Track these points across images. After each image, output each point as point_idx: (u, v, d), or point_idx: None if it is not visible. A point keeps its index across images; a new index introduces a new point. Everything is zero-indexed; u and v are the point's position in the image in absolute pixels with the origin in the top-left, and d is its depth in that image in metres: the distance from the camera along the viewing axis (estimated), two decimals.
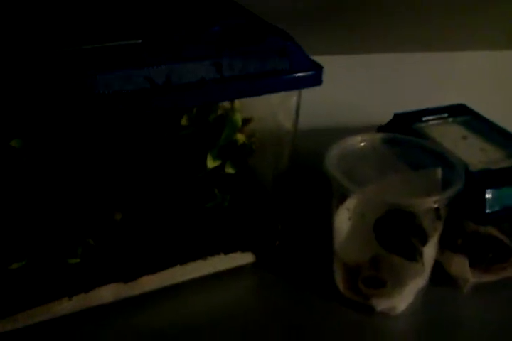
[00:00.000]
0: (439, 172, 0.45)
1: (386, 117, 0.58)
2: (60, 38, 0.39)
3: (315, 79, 0.42)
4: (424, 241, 0.45)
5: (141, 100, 0.37)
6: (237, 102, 0.47)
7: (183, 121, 0.44)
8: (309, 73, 0.42)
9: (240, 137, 0.47)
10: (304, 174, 0.55)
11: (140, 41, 0.40)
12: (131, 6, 0.46)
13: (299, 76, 0.41)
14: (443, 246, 0.47)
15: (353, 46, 0.69)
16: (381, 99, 0.68)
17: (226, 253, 0.48)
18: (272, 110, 0.48)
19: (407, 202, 0.42)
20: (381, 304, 0.46)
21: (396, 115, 0.57)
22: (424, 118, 0.56)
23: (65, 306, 0.41)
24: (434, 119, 0.56)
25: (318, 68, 0.42)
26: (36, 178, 0.39)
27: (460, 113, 0.58)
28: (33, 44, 0.38)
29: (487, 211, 0.44)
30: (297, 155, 0.50)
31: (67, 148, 0.39)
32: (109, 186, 0.42)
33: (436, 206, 0.42)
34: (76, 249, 0.41)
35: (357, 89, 0.71)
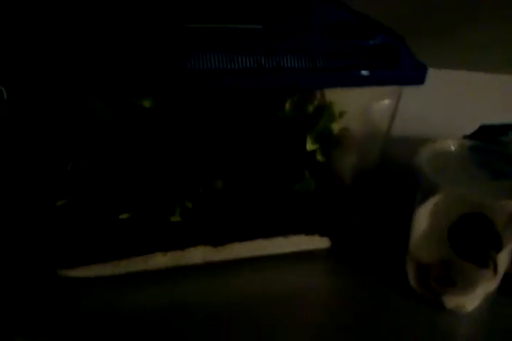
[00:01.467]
0: None
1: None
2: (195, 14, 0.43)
3: (419, 77, 0.45)
4: (498, 249, 0.46)
5: (253, 79, 0.40)
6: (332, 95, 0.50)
7: (287, 106, 0.47)
8: (414, 71, 0.44)
9: (335, 127, 0.50)
10: (387, 173, 0.57)
11: (261, 27, 0.44)
12: None
13: (403, 72, 0.44)
14: None
15: (449, 60, 0.70)
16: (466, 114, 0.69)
17: (306, 234, 0.51)
18: (366, 107, 0.51)
19: (491, 203, 0.43)
20: (451, 302, 0.47)
21: (482, 127, 0.59)
22: (510, 132, 0.58)
23: (160, 260, 0.45)
24: None
25: (423, 68, 0.45)
26: (156, 138, 0.43)
27: None
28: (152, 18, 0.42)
29: None
30: (389, 159, 0.53)
31: (187, 115, 0.43)
32: (215, 155, 0.45)
33: None
34: (175, 209, 0.45)
35: (447, 103, 0.73)
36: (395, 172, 0.55)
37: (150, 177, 0.44)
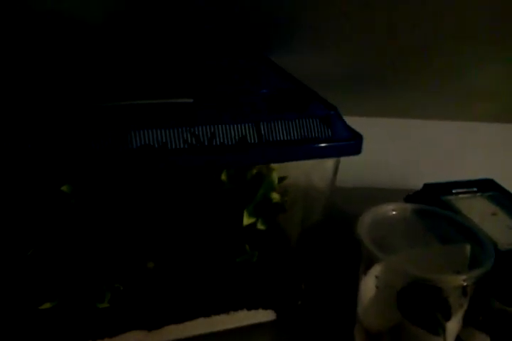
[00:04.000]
0: (468, 248, 0.45)
1: (416, 178, 0.59)
2: (120, 92, 0.41)
3: (355, 148, 0.44)
4: (448, 317, 0.45)
5: (183, 158, 0.39)
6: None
7: (223, 177, 0.46)
8: (349, 142, 0.43)
9: (275, 196, 0.48)
10: (334, 234, 0.55)
11: (192, 101, 0.42)
12: (186, 66, 0.49)
13: (338, 144, 0.43)
14: (466, 321, 0.47)
15: (388, 110, 0.71)
16: (412, 160, 0.70)
17: (249, 309, 0.48)
18: (307, 171, 0.50)
19: (435, 278, 0.42)
20: None
21: (426, 185, 0.59)
22: (453, 191, 0.57)
23: None
24: (462, 193, 0.57)
25: (359, 138, 0.44)
26: (78, 223, 0.40)
27: (488, 188, 0.59)
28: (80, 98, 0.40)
29: None
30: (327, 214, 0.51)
31: (110, 197, 0.41)
32: (145, 235, 0.43)
33: (464, 284, 0.42)
34: (105, 294, 0.42)
35: (388, 151, 0.73)
36: (340, 235, 0.53)
37: (76, 261, 0.41)
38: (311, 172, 0.50)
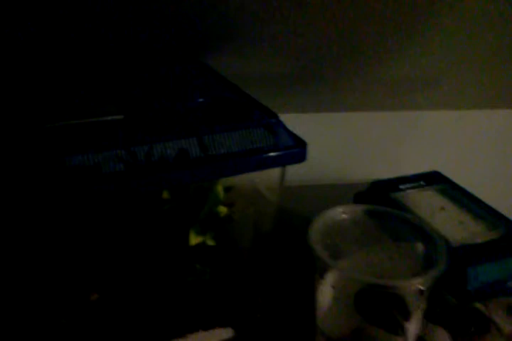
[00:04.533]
0: (420, 246, 0.45)
1: (363, 173, 0.58)
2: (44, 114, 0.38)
3: (299, 156, 0.42)
4: (406, 316, 0.44)
5: (120, 181, 0.36)
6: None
7: (165, 195, 0.43)
8: (294, 151, 0.42)
9: (222, 209, 0.46)
10: (287, 242, 0.54)
11: (122, 117, 0.40)
12: (113, 78, 0.46)
13: (283, 153, 0.42)
14: (425, 318, 0.47)
15: (325, 104, 0.70)
16: (357, 155, 0.69)
17: (205, 329, 0.46)
18: (254, 179, 0.48)
19: (389, 284, 0.41)
20: None
21: (373, 183, 0.58)
22: (401, 186, 0.57)
23: None
24: (410, 188, 0.57)
25: (303, 145, 0.43)
26: (11, 256, 0.37)
27: (436, 181, 0.59)
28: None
29: (469, 288, 0.44)
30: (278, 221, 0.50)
31: (45, 225, 0.38)
32: (86, 265, 0.40)
33: (421, 288, 0.41)
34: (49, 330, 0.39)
35: (330, 147, 0.72)
36: (294, 242, 0.52)
37: (10, 298, 0.38)
38: (258, 180, 0.49)
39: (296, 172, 0.56)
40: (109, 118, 0.39)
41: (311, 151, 0.64)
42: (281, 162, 0.42)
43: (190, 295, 0.46)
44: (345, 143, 0.74)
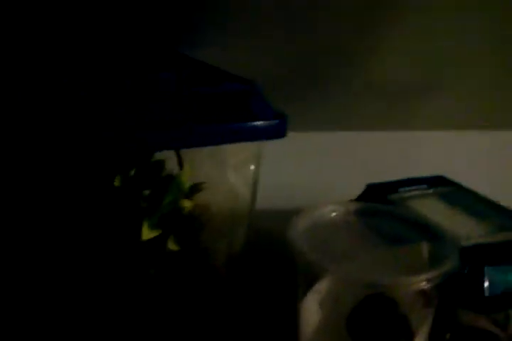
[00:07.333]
0: (425, 247, 0.37)
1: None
2: None
3: (278, 129, 0.36)
4: (409, 338, 0.36)
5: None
6: (186, 166, 0.40)
7: (116, 182, 0.36)
8: (271, 122, 0.35)
9: (187, 204, 0.39)
10: (266, 259, 0.46)
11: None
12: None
13: (259, 125, 0.35)
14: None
15: (324, 123, 0.64)
16: (350, 178, 0.62)
17: None
18: (228, 180, 0.42)
19: (389, 282, 0.34)
20: None
21: (369, 186, 0.51)
22: (400, 190, 0.50)
23: None
24: (412, 190, 0.50)
25: (282, 118, 0.36)
26: None
27: (440, 183, 0.51)
28: None
29: (487, 294, 0.36)
30: (258, 238, 0.43)
31: None
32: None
33: (425, 287, 0.33)
34: None
35: (320, 167, 0.66)
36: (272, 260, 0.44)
37: None
38: (233, 183, 0.42)
39: (277, 192, 0.50)
40: None
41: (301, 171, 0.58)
42: (258, 135, 0.35)
43: (138, 303, 0.37)
44: (337, 162, 0.67)
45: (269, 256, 0.45)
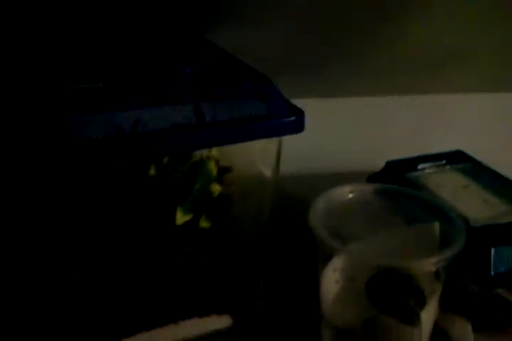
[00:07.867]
0: (437, 227, 0.40)
1: (377, 164, 0.54)
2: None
3: (296, 125, 0.38)
4: (422, 304, 0.40)
5: (105, 150, 0.33)
6: (214, 150, 0.43)
7: (151, 172, 0.40)
8: (289, 119, 0.38)
9: (216, 188, 0.43)
10: (291, 225, 0.50)
11: (101, 85, 0.37)
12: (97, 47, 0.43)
13: (278, 122, 0.38)
14: (443, 307, 0.42)
15: (341, 89, 0.65)
16: (371, 144, 0.64)
17: (200, 316, 0.43)
18: (252, 158, 0.45)
19: (401, 265, 0.37)
20: None
21: (388, 163, 0.53)
22: (419, 167, 0.52)
23: None
24: (430, 167, 0.52)
25: (300, 113, 0.39)
26: None
27: (458, 160, 0.54)
28: None
29: (492, 273, 0.39)
30: (283, 205, 0.46)
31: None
32: (66, 246, 0.37)
33: (434, 269, 0.37)
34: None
35: (345, 134, 0.68)
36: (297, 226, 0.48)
37: None
38: (257, 160, 0.45)
39: (300, 160, 0.52)
40: (87, 86, 0.36)
41: (323, 139, 0.60)
42: (277, 132, 0.38)
43: (182, 279, 0.42)
44: (358, 129, 0.69)
45: (295, 221, 0.48)
